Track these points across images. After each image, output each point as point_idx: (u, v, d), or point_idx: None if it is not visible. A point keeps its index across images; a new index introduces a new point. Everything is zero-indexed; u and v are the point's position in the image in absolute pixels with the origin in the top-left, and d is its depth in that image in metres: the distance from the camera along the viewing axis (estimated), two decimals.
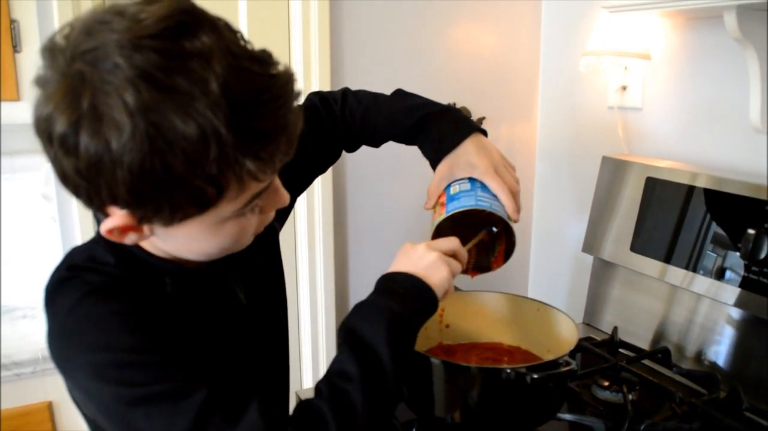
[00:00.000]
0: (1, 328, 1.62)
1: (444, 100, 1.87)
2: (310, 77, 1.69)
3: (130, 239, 0.70)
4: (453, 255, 0.90)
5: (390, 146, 1.82)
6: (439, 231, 1.00)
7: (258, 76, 0.63)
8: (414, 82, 1.84)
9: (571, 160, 1.94)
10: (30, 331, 1.62)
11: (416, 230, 1.89)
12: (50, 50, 0.62)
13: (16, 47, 1.44)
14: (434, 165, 1.05)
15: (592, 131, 1.84)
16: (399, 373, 0.77)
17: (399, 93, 1.17)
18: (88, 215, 1.50)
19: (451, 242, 0.90)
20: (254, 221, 0.74)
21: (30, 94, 1.45)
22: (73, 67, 0.59)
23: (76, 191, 0.65)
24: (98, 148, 0.59)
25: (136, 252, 0.76)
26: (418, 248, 0.88)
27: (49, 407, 1.53)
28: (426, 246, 0.87)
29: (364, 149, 1.72)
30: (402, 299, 0.81)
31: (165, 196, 0.62)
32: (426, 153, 1.08)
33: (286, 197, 0.76)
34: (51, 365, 1.51)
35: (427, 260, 0.85)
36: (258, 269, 0.94)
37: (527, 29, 1.97)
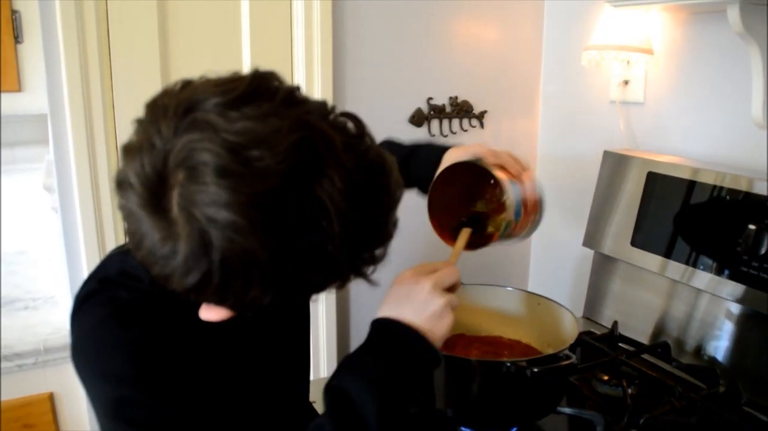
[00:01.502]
0: (0, 319, 1.62)
1: (446, 94, 1.89)
2: (313, 77, 1.69)
3: None
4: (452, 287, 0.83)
5: (392, 139, 1.82)
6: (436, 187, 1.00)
7: (374, 188, 0.61)
8: (417, 78, 1.84)
9: (572, 154, 1.94)
10: (31, 322, 1.62)
11: (416, 225, 1.89)
12: (136, 154, 0.58)
13: (17, 38, 1.44)
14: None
15: (594, 125, 1.84)
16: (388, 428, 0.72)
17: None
18: (89, 206, 1.50)
19: (454, 275, 0.82)
20: None
21: (36, 85, 1.46)
22: (189, 212, 0.55)
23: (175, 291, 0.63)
24: (227, 296, 0.59)
25: None
26: (422, 289, 0.78)
27: (51, 398, 1.54)
28: (432, 288, 0.78)
29: None
30: (399, 361, 0.74)
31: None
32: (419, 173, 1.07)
33: None
34: (52, 356, 1.52)
35: (433, 309, 0.77)
36: (289, 314, 0.94)
37: (529, 24, 1.97)
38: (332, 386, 0.73)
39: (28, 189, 1.75)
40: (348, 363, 0.75)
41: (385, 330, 0.77)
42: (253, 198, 0.54)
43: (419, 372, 0.76)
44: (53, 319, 1.64)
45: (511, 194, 0.96)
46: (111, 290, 0.73)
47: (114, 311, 0.71)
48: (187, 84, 0.60)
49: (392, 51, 1.80)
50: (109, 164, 1.52)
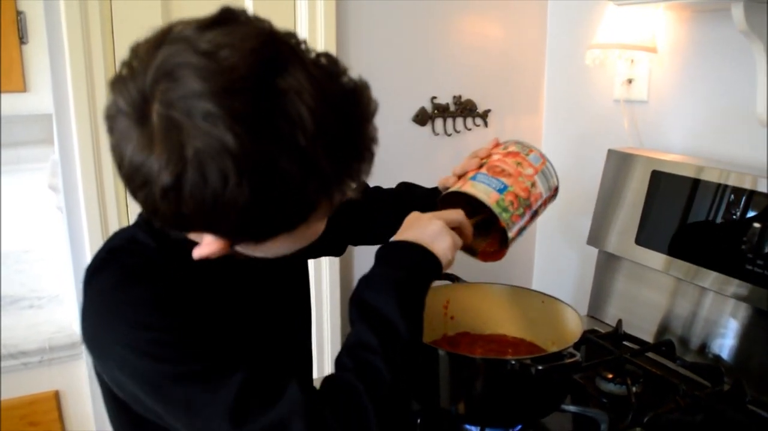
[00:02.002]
0: (0, 318, 1.63)
1: (450, 93, 1.89)
2: None
3: (212, 253, 0.72)
4: (458, 228, 0.91)
5: (394, 152, 1.83)
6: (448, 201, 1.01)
7: (343, 98, 0.65)
8: (421, 77, 1.84)
9: (576, 153, 1.94)
10: (36, 321, 1.63)
11: None
12: (123, 86, 0.62)
13: (22, 39, 1.44)
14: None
15: (598, 124, 1.84)
16: (415, 337, 0.79)
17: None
18: (95, 205, 1.51)
19: (457, 214, 0.91)
20: (326, 219, 0.77)
21: (41, 85, 1.46)
22: (167, 115, 0.59)
23: (164, 222, 0.67)
24: (204, 194, 0.61)
25: (179, 238, 0.76)
26: (423, 217, 0.89)
27: (56, 396, 1.54)
28: (431, 215, 0.89)
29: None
30: (406, 267, 0.82)
31: (264, 225, 0.66)
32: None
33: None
34: (58, 354, 1.53)
35: (432, 229, 0.86)
36: (288, 266, 0.96)
37: (533, 22, 1.97)
38: (355, 299, 0.81)
39: (33, 189, 1.75)
40: (363, 281, 0.82)
41: (389, 249, 0.86)
42: (223, 87, 0.58)
43: (425, 275, 0.83)
44: (58, 317, 1.64)
45: (490, 203, 0.96)
46: (120, 258, 0.76)
47: (129, 273, 0.74)
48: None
49: (396, 50, 1.80)
50: (113, 164, 1.52)
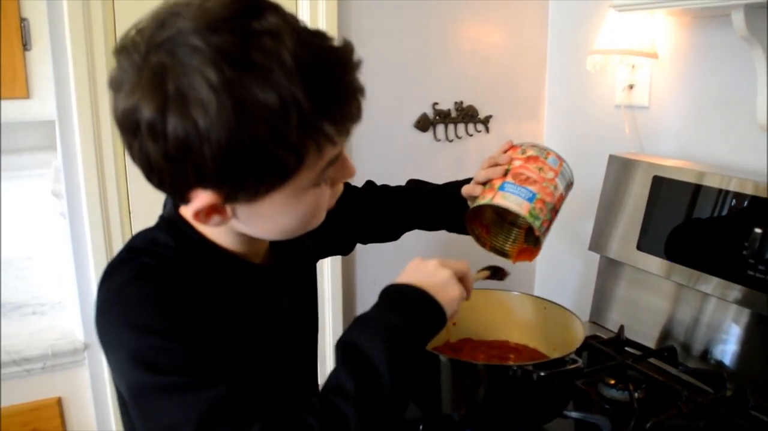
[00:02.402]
0: (0, 324, 1.63)
1: (451, 99, 1.89)
2: None
3: (213, 221, 0.72)
4: (462, 279, 0.87)
5: (396, 158, 1.83)
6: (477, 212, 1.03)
7: (323, 47, 0.67)
8: (422, 83, 1.85)
9: (577, 158, 1.93)
10: (39, 327, 1.63)
11: (424, 238, 1.89)
12: (124, 49, 0.66)
13: (26, 45, 1.45)
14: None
15: (599, 129, 1.84)
16: (398, 391, 0.74)
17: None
18: (97, 212, 1.51)
19: (463, 266, 0.88)
20: (327, 193, 0.77)
21: (44, 91, 1.47)
22: (152, 60, 0.63)
23: (161, 180, 0.68)
24: (186, 128, 0.62)
25: (198, 239, 0.78)
26: (429, 263, 0.85)
27: (59, 403, 1.54)
28: (439, 263, 0.84)
29: (375, 142, 1.72)
30: (407, 314, 0.78)
31: (250, 168, 0.65)
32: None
33: (353, 168, 0.79)
34: (60, 361, 1.53)
35: (440, 278, 0.82)
36: (299, 278, 0.96)
37: (534, 28, 1.97)
38: (343, 340, 0.77)
39: (36, 195, 1.76)
40: (358, 320, 0.79)
41: (390, 292, 0.82)
42: (206, 25, 0.62)
43: (426, 327, 0.80)
44: (61, 324, 1.64)
45: (523, 212, 0.98)
46: (139, 258, 0.76)
47: (146, 271, 0.74)
48: None
49: (397, 56, 1.80)
50: (116, 170, 1.52)
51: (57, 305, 1.77)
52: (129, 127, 0.65)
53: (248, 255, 0.82)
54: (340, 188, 0.81)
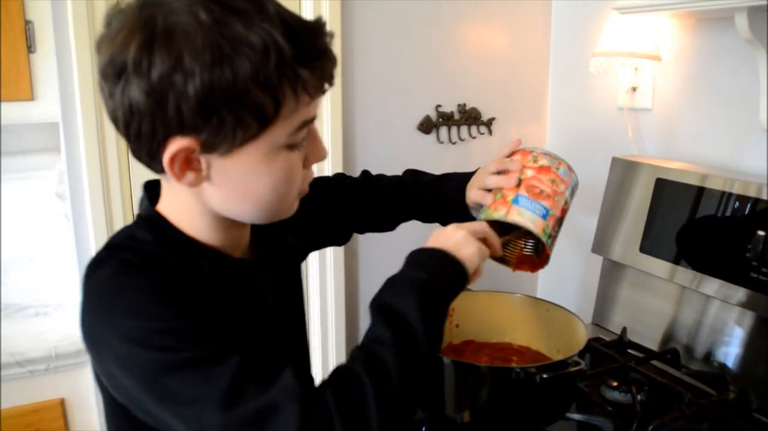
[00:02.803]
0: (1, 326, 1.63)
1: (454, 101, 1.89)
2: None
3: (188, 179, 0.72)
4: (483, 239, 0.90)
5: (399, 160, 1.83)
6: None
7: (300, 15, 0.71)
8: (424, 84, 1.85)
9: (580, 161, 1.93)
10: (43, 329, 1.63)
11: (425, 233, 1.89)
12: (114, 10, 0.70)
13: (30, 48, 1.46)
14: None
15: (602, 131, 1.84)
16: (431, 341, 0.78)
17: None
18: (101, 213, 1.52)
19: (481, 225, 0.91)
20: (300, 167, 0.78)
21: (48, 93, 1.48)
22: (143, 11, 0.67)
23: (139, 129, 0.69)
24: (172, 61, 0.64)
25: (176, 233, 0.79)
26: (447, 229, 0.89)
27: (62, 404, 1.54)
28: (455, 226, 0.89)
29: (378, 144, 1.73)
30: (431, 271, 0.81)
31: (230, 108, 0.67)
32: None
33: (325, 150, 0.81)
34: (63, 362, 1.53)
35: (456, 237, 0.86)
36: (283, 274, 0.95)
37: (537, 30, 1.98)
38: (375, 300, 0.80)
39: (40, 197, 1.76)
40: (387, 283, 0.82)
41: (414, 254, 0.85)
42: None
43: (450, 282, 0.83)
44: (64, 325, 1.65)
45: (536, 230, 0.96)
46: (118, 254, 0.76)
47: (127, 266, 0.74)
48: None
49: (400, 59, 1.81)
50: (120, 172, 1.53)
51: (60, 306, 1.77)
52: (115, 71, 0.67)
53: (228, 249, 0.82)
54: (312, 173, 0.82)
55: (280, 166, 0.74)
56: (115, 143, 1.50)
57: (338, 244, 1.22)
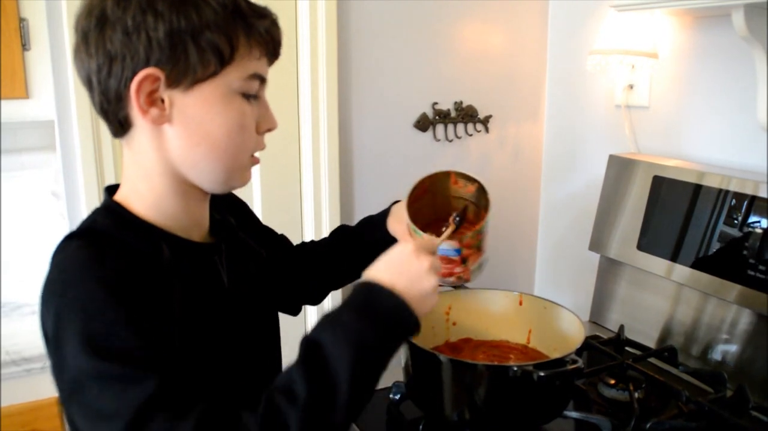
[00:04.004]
0: (0, 324, 1.63)
1: (451, 98, 1.89)
2: (318, 81, 1.69)
3: (152, 114, 0.76)
4: (432, 253, 0.86)
5: (396, 158, 1.83)
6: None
7: None
8: (422, 83, 1.85)
9: (577, 158, 1.94)
10: (39, 327, 1.63)
11: None
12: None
13: (25, 45, 1.45)
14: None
15: (599, 129, 1.84)
16: (352, 409, 0.71)
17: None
18: None
19: (429, 241, 0.92)
20: (252, 121, 0.82)
21: (43, 91, 1.47)
22: None
23: (111, 68, 0.75)
24: (144, 6, 0.73)
25: (134, 219, 0.81)
26: (399, 253, 0.82)
27: (58, 402, 1.54)
28: (418, 250, 0.82)
29: (374, 142, 1.73)
30: (380, 326, 0.75)
31: (193, 44, 0.74)
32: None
33: (274, 120, 0.86)
34: None
35: (413, 269, 0.80)
36: (241, 260, 0.95)
37: (534, 28, 1.97)
38: (308, 338, 0.74)
39: (36, 195, 1.76)
40: (327, 318, 0.76)
41: (370, 291, 0.78)
42: None
43: (397, 342, 0.77)
44: None
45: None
46: (76, 240, 0.78)
47: (84, 245, 0.76)
48: None
49: (397, 56, 1.80)
50: (115, 170, 1.52)
51: None
52: (96, 21, 0.75)
53: (187, 231, 0.84)
54: (264, 143, 0.86)
55: (234, 110, 0.79)
56: (111, 141, 1.50)
57: (313, 302, 1.23)
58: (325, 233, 1.74)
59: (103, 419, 0.68)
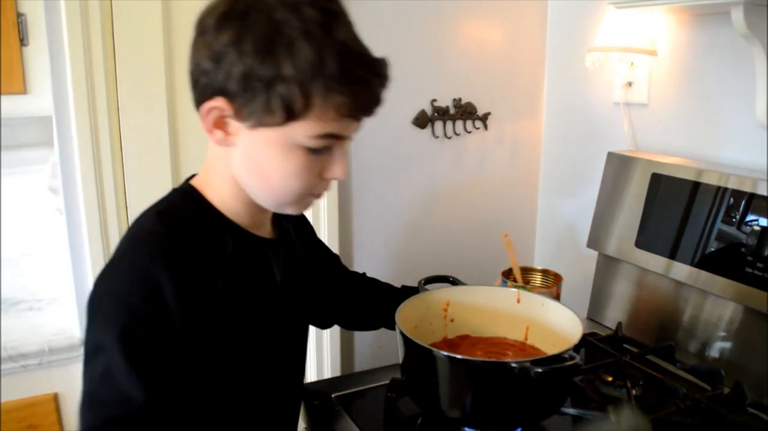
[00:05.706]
0: (0, 320, 1.63)
1: (450, 96, 1.89)
2: None
3: (216, 136, 0.81)
4: None
5: (394, 155, 1.83)
6: None
7: (367, 50, 0.83)
8: (421, 79, 1.84)
9: (576, 155, 1.94)
10: (36, 323, 1.63)
11: (420, 226, 1.89)
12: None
13: (23, 41, 1.45)
14: None
15: (598, 126, 1.84)
16: None
17: None
18: (94, 208, 1.50)
19: None
20: (313, 172, 0.83)
21: (41, 87, 1.47)
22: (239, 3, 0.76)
23: (198, 78, 0.79)
24: (233, 38, 0.74)
25: (206, 205, 0.87)
26: None
27: (55, 398, 1.54)
28: None
29: (373, 138, 1.73)
30: None
31: (264, 92, 0.75)
32: None
33: (344, 170, 0.85)
34: (57, 357, 1.53)
35: None
36: (295, 258, 1.01)
37: (533, 25, 1.97)
38: None
39: (33, 191, 1.75)
40: None
41: None
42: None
43: None
44: (58, 320, 1.64)
45: None
46: (146, 222, 0.84)
47: (149, 239, 0.81)
48: None
49: (396, 53, 1.79)
50: (113, 166, 1.52)
51: (54, 301, 1.77)
52: (198, 30, 0.79)
53: (251, 227, 0.90)
54: (328, 184, 0.87)
55: (293, 162, 0.80)
56: (109, 136, 1.49)
57: (321, 327, 1.33)
58: (323, 228, 1.74)
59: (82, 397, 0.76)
